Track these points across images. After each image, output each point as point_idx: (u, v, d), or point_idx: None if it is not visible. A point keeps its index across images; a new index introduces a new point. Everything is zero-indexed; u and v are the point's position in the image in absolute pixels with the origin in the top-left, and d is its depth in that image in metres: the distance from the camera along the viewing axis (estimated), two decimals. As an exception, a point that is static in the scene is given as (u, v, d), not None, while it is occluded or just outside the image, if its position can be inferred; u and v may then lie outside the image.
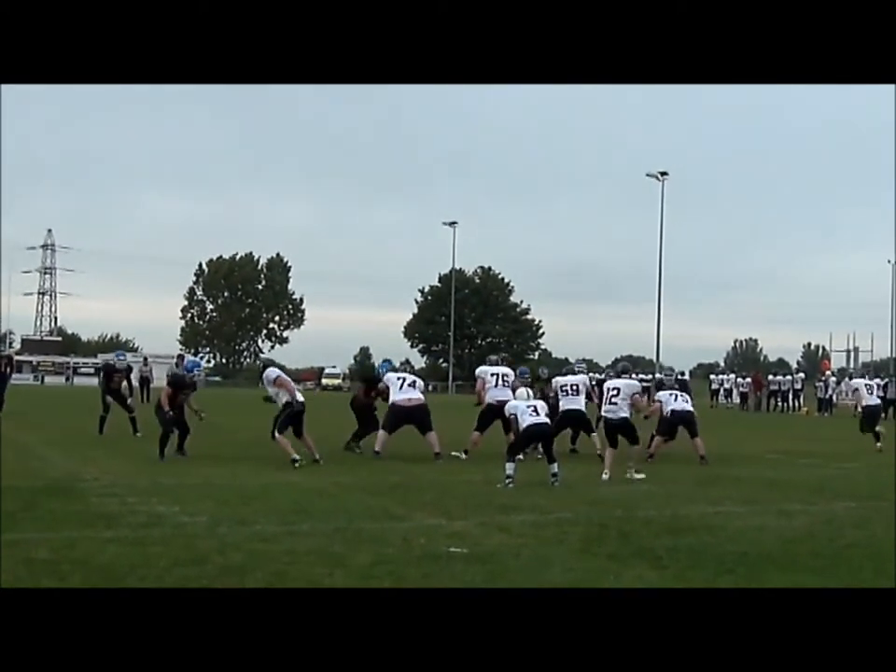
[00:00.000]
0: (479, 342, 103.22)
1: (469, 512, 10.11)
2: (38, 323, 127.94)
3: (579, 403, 16.36)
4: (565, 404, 16.21)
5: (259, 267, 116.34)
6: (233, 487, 11.61)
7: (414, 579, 6.93)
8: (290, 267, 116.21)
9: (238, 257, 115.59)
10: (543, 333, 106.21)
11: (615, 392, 13.98)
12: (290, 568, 7.13)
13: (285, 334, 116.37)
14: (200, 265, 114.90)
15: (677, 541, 8.63)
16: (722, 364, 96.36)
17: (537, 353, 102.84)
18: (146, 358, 45.40)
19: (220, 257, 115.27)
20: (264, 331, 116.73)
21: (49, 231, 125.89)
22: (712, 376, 55.45)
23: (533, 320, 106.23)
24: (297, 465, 13.87)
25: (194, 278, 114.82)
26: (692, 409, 16.81)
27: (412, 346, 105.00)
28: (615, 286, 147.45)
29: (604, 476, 13.34)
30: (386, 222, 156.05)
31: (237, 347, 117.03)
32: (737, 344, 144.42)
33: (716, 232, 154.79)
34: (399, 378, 16.83)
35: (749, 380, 47.68)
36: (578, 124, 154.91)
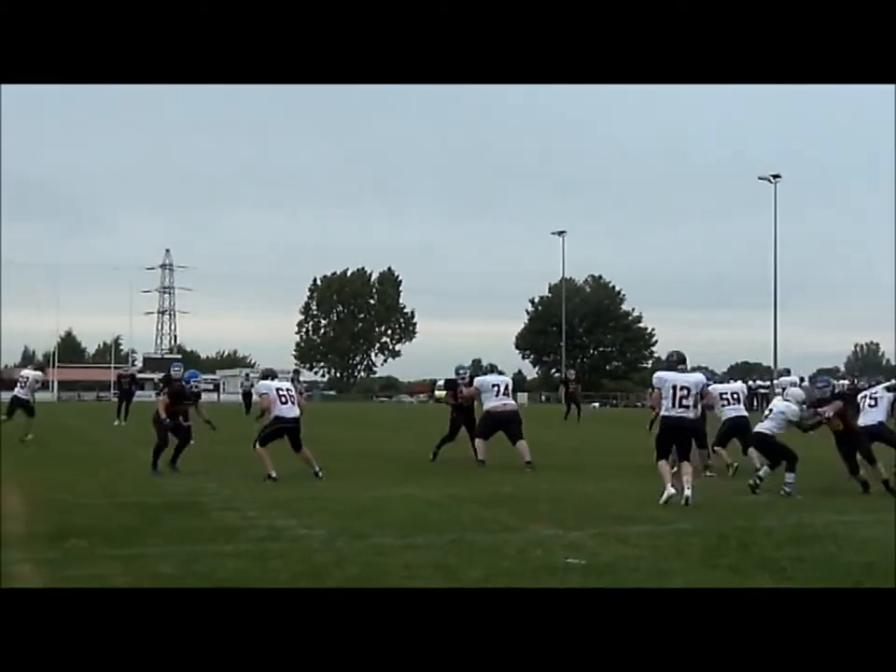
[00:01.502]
0: (591, 351, 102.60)
1: (584, 523, 10.00)
2: (159, 341, 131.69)
3: (741, 411, 15.88)
4: (728, 412, 15.78)
5: (371, 282, 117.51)
6: (348, 500, 11.68)
7: (531, 591, 6.86)
8: (401, 281, 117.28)
9: (350, 272, 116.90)
10: (657, 341, 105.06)
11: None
12: (408, 582, 7.13)
13: (397, 347, 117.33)
14: (314, 280, 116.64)
15: (801, 552, 8.40)
16: (843, 369, 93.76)
17: (650, 361, 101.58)
18: (247, 374, 46.72)
19: (334, 273, 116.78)
20: (377, 345, 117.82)
21: (167, 251, 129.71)
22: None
23: (645, 328, 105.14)
24: (270, 480, 13.57)
25: (309, 294, 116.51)
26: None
27: (523, 357, 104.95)
28: (729, 290, 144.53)
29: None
30: (495, 233, 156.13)
31: (351, 361, 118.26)
32: (858, 349, 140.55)
33: (831, 234, 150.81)
34: (493, 385, 16.59)
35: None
36: (686, 127, 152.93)
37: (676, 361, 11.95)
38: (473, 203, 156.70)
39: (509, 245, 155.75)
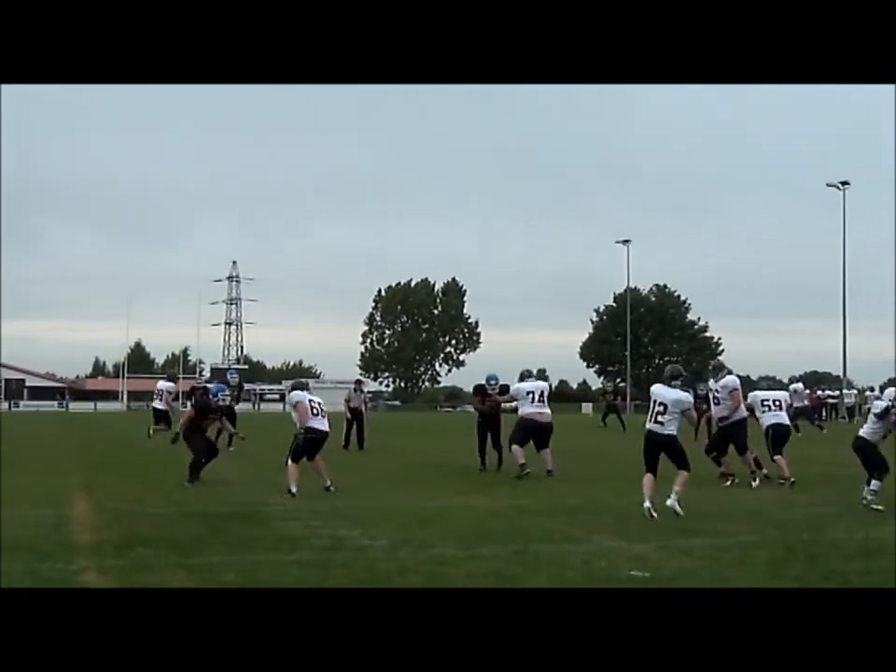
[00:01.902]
0: (656, 360, 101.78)
1: (648, 535, 9.92)
2: (226, 352, 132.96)
3: (783, 418, 15.71)
4: (768, 419, 15.62)
5: (435, 292, 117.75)
6: (412, 510, 11.70)
7: (594, 603, 6.81)
8: (465, 291, 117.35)
9: (414, 282, 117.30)
10: (723, 350, 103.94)
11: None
12: (469, 592, 7.12)
13: (461, 357, 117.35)
14: (379, 291, 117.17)
15: (869, 565, 8.26)
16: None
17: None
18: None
19: (398, 283, 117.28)
20: (441, 355, 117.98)
21: (234, 262, 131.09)
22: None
23: (711, 337, 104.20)
24: (289, 494, 13.32)
25: (373, 304, 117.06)
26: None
27: (588, 366, 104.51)
28: (798, 299, 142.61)
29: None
30: (559, 242, 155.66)
31: (415, 371, 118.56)
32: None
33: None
34: (528, 392, 16.47)
35: None
36: (754, 134, 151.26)
37: (669, 377, 11.98)
38: (538, 212, 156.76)
39: (573, 255, 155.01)
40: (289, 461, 13.80)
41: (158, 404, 24.64)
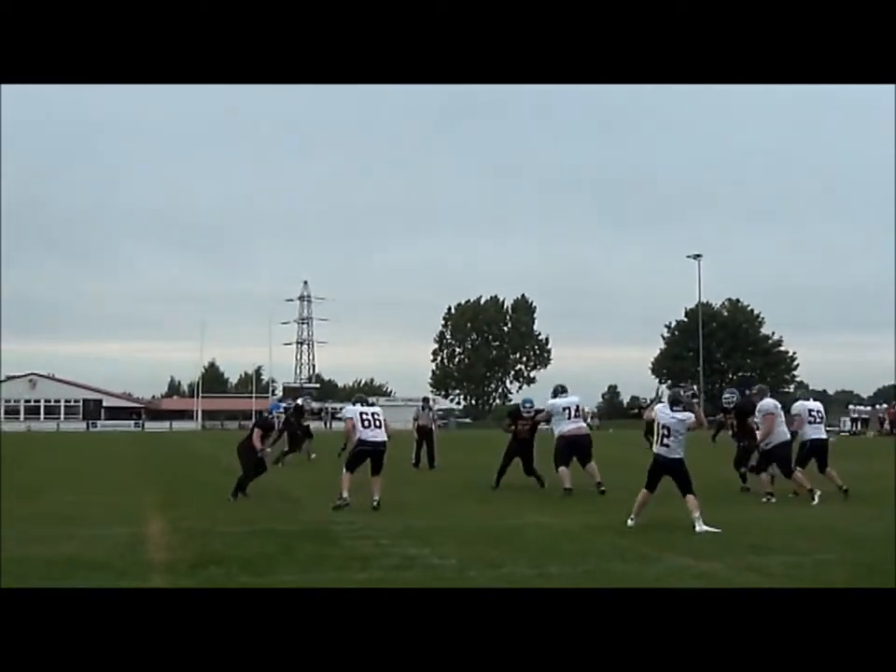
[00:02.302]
0: (729, 376, 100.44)
1: (720, 552, 9.80)
2: (298, 371, 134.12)
3: (822, 433, 15.61)
4: (810, 433, 15.43)
5: (505, 309, 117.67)
6: (482, 528, 11.67)
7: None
8: (535, 308, 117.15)
9: (483, 300, 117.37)
10: (798, 365, 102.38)
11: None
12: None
13: (532, 374, 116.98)
14: (449, 309, 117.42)
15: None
16: None
17: (792, 385, 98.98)
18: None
19: (468, 300, 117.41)
20: (512, 372, 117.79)
21: (305, 282, 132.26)
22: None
23: (786, 352, 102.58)
24: (339, 506, 13.64)
25: (443, 322, 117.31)
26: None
27: (660, 382, 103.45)
28: (877, 310, 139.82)
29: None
30: (629, 257, 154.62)
31: (486, 388, 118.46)
32: None
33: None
34: (564, 408, 16.29)
35: None
36: (826, 142, 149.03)
37: (671, 402, 12.40)
38: (607, 227, 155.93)
39: (643, 270, 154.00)
40: (344, 470, 14.13)
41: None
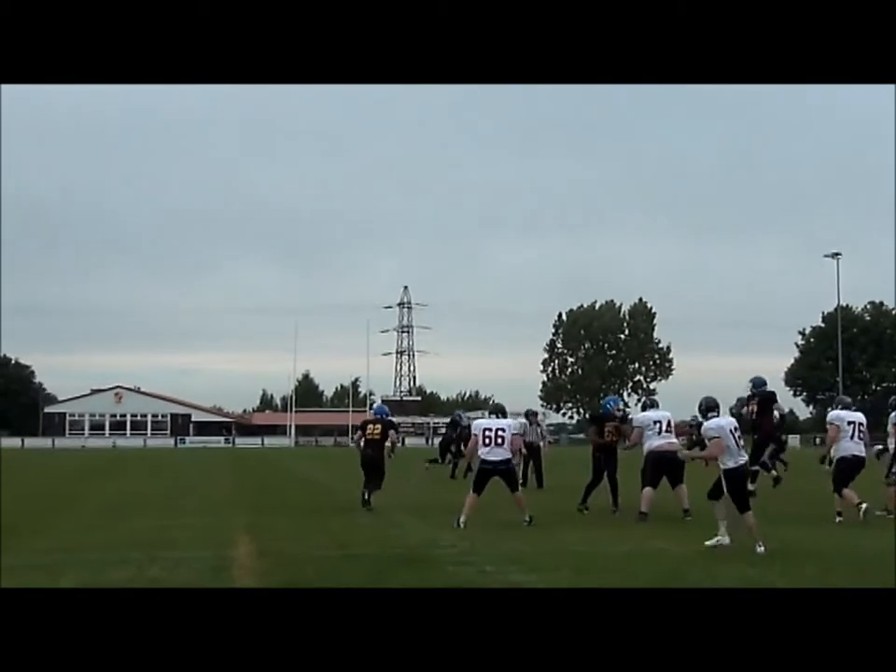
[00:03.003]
0: (873, 386, 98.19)
1: (854, 581, 9.54)
2: (398, 382, 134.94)
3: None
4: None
5: (622, 314, 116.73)
6: (593, 554, 11.54)
7: None
8: (655, 314, 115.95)
9: (598, 305, 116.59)
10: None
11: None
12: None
13: (652, 385, 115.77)
14: (559, 315, 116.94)
15: None
16: None
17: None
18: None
19: (580, 306, 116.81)
20: (630, 383, 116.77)
21: (405, 288, 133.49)
22: None
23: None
24: (458, 526, 14.09)
25: (553, 330, 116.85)
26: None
27: (794, 395, 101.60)
28: None
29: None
30: (761, 258, 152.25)
31: (601, 401, 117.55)
32: None
33: None
34: (655, 422, 15.83)
35: None
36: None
37: (704, 409, 12.60)
38: (732, 226, 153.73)
39: (777, 271, 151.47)
40: (471, 491, 14.51)
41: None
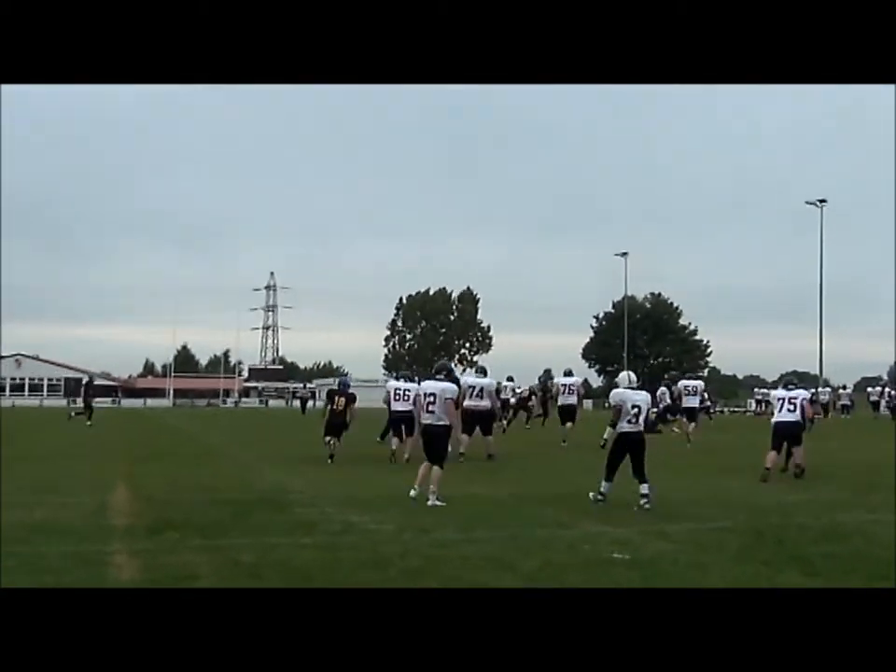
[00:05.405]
0: (651, 361, 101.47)
1: (631, 521, 9.82)
2: (263, 354, 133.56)
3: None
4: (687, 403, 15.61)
5: (452, 300, 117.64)
6: (420, 499, 11.56)
7: (576, 582, 6.73)
8: (479, 299, 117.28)
9: (432, 291, 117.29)
10: (711, 352, 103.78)
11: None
12: (463, 573, 7.05)
13: (475, 358, 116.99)
14: (400, 299, 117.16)
15: (832, 548, 8.15)
16: (885, 377, 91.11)
17: (706, 370, 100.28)
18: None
19: (418, 292, 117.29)
20: (457, 356, 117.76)
21: (272, 273, 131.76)
22: (869, 388, 53.08)
23: (701, 340, 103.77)
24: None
25: (395, 311, 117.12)
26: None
27: (589, 367, 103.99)
28: (778, 306, 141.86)
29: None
30: (563, 256, 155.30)
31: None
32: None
33: (876, 254, 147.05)
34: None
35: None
36: (737, 156, 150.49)
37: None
38: (544, 231, 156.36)
39: (576, 265, 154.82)
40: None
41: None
